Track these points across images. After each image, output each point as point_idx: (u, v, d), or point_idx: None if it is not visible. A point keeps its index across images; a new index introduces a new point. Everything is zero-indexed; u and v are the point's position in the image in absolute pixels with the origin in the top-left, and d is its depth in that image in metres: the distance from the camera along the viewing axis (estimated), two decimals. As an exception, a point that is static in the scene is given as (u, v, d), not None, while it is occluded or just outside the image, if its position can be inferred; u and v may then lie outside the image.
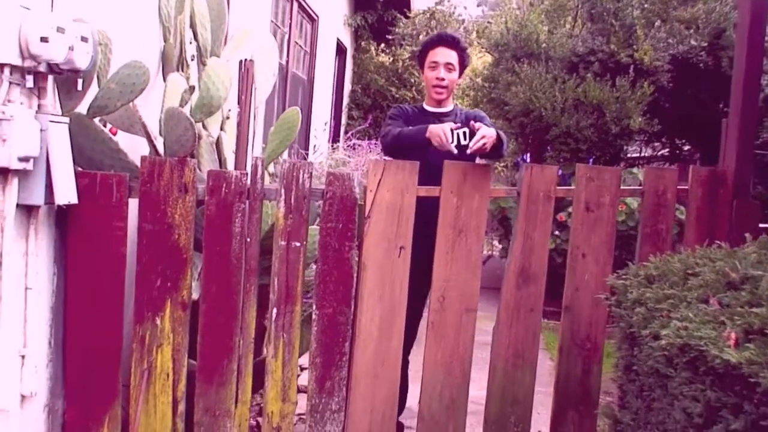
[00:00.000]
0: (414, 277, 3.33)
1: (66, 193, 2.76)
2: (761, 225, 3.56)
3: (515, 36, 9.65)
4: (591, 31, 9.50)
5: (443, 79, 3.93)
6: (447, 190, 3.30)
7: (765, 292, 1.86)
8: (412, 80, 12.58)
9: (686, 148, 12.79)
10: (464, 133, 3.45)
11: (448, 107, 4.06)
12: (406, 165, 3.26)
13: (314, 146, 9.00)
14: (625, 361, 2.61)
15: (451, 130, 3.40)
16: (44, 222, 2.86)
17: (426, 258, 3.37)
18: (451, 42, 4.01)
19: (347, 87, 12.10)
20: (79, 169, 2.94)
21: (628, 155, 11.47)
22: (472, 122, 3.51)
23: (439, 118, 3.95)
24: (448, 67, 3.94)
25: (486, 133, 3.38)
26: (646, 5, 9.53)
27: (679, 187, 3.57)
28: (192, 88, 3.31)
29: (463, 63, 4.04)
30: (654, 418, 2.22)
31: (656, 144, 12.45)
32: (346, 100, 12.04)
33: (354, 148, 7.89)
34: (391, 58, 12.79)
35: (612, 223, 3.48)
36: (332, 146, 9.00)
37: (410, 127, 3.73)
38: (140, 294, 3.08)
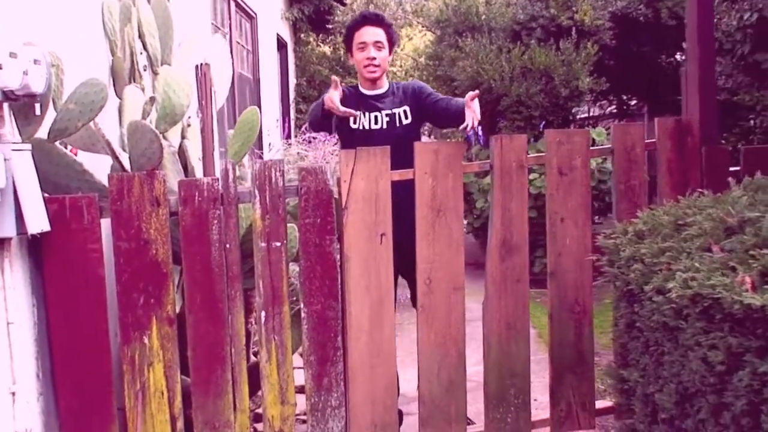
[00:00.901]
0: (397, 263, 3.31)
1: (38, 222, 2.69)
2: (731, 169, 3.60)
3: (455, 11, 9.64)
4: (529, -2, 9.51)
5: (374, 58, 3.88)
6: (421, 171, 3.27)
7: (769, 234, 1.87)
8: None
9: (633, 103, 12.94)
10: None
11: (383, 87, 4.02)
12: (377, 151, 3.22)
13: (269, 144, 8.91)
14: (626, 319, 2.61)
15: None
16: (17, 253, 2.78)
17: (406, 242, 3.34)
18: (376, 19, 3.98)
19: (292, 81, 12.02)
20: (46, 195, 2.85)
21: (577, 117, 11.55)
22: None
23: (376, 100, 3.96)
24: (377, 45, 3.89)
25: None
26: (580, -35, 9.56)
27: (646, 141, 3.58)
28: (153, 99, 3.23)
29: (392, 39, 3.99)
30: (666, 372, 2.22)
31: (603, 102, 12.58)
32: (292, 95, 11.96)
33: (310, 142, 7.81)
34: (332, 48, 12.72)
35: (586, 185, 3.48)
36: (287, 142, 8.90)
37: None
38: (124, 314, 3.01)
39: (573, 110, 9.75)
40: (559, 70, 8.44)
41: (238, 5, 8.10)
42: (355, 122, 3.88)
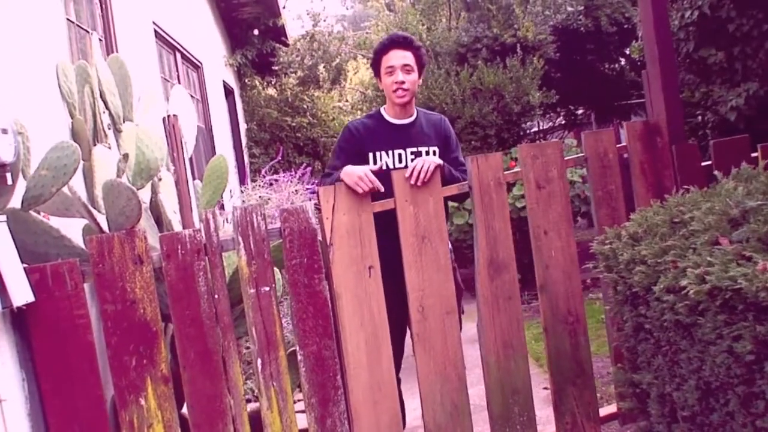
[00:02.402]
0: (387, 294, 3.27)
1: (21, 294, 2.61)
2: (703, 164, 3.64)
3: (398, 39, 9.70)
4: (470, 20, 9.65)
5: (403, 82, 3.71)
6: (401, 199, 3.25)
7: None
8: (305, 106, 12.54)
9: (580, 112, 13.14)
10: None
11: (411, 116, 3.85)
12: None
13: (230, 191, 8.84)
14: (632, 322, 2.60)
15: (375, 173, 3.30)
16: (2, 328, 2.69)
17: (394, 271, 3.31)
18: (404, 42, 3.80)
19: (242, 126, 11.96)
20: (26, 265, 2.78)
21: (528, 131, 11.68)
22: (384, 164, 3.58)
23: (403, 131, 3.79)
24: (406, 68, 3.73)
25: (419, 165, 3.33)
26: (517, -17, 9.73)
27: (617, 145, 3.62)
28: (126, 156, 3.18)
29: (421, 62, 3.83)
30: (684, 370, 2.21)
31: (552, 115, 12.74)
32: (244, 140, 11.90)
33: (271, 185, 7.76)
34: (279, 89, 12.73)
35: (565, 195, 3.50)
36: (245, 187, 8.85)
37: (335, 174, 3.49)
38: (118, 378, 2.93)
39: (525, 125, 9.87)
40: (509, 88, 8.54)
41: (183, 56, 8.06)
42: (375, 163, 3.66)
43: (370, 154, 3.72)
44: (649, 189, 3.58)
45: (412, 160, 3.66)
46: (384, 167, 3.61)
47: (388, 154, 3.72)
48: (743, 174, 2.48)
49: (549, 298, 3.48)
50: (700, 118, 8.33)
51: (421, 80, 3.90)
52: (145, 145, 3.16)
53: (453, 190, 3.43)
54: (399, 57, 3.74)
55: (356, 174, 3.26)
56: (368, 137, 3.75)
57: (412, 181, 3.30)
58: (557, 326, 3.48)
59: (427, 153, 3.76)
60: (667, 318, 2.19)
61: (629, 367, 2.83)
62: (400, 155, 3.73)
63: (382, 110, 3.90)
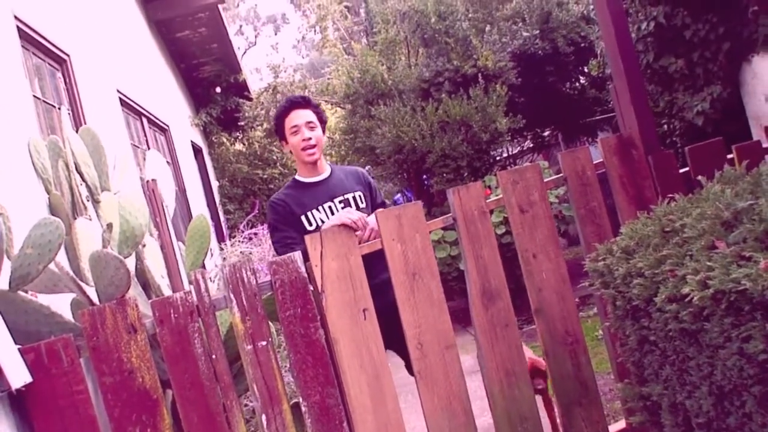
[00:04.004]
0: (387, 331, 3.26)
1: (18, 375, 2.58)
2: (680, 171, 3.67)
3: (361, 82, 9.80)
4: (429, 55, 9.74)
5: (309, 138, 3.82)
6: (388, 238, 3.25)
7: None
8: (274, 157, 12.57)
9: (546, 134, 13.25)
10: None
11: (325, 171, 3.95)
12: (342, 230, 3.19)
13: (210, 250, 8.79)
14: (635, 336, 2.60)
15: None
16: (2, 411, 2.65)
17: (389, 309, 3.30)
18: (302, 102, 3.92)
19: (214, 184, 11.96)
20: (19, 346, 2.74)
21: (497, 158, 11.79)
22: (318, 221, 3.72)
23: (322, 186, 3.88)
24: (310, 126, 3.84)
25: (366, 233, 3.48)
26: (471, 15, 9.86)
27: (595, 162, 3.64)
28: (110, 226, 3.16)
29: (321, 118, 3.95)
30: (694, 377, 2.21)
31: (520, 139, 12.84)
32: (217, 198, 11.89)
33: (250, 239, 7.74)
34: (247, 143, 12.76)
35: (549, 216, 3.51)
36: (225, 245, 8.81)
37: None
38: (123, 451, 2.88)
39: (495, 152, 9.94)
40: (476, 117, 8.61)
41: (150, 120, 8.07)
42: (310, 224, 3.76)
43: (303, 218, 3.80)
44: (631, 202, 3.60)
45: (343, 208, 3.79)
46: (320, 224, 3.72)
47: (319, 210, 3.81)
48: (727, 176, 2.51)
49: (546, 321, 3.47)
50: (666, 126, 8.45)
51: (325, 136, 4.01)
52: (128, 213, 3.15)
53: (438, 224, 3.43)
54: (301, 116, 3.86)
55: (347, 216, 3.35)
56: (294, 204, 3.82)
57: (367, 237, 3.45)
58: (557, 348, 3.48)
59: (354, 198, 3.88)
60: (672, 327, 2.19)
61: (636, 380, 2.82)
62: (330, 207, 3.82)
63: (296, 177, 4.00)
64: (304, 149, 3.83)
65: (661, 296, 2.17)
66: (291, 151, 3.98)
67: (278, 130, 3.98)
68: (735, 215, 2.08)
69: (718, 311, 1.89)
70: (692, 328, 2.07)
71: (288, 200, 3.83)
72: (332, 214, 3.77)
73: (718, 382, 2.06)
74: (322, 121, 3.96)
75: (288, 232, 3.76)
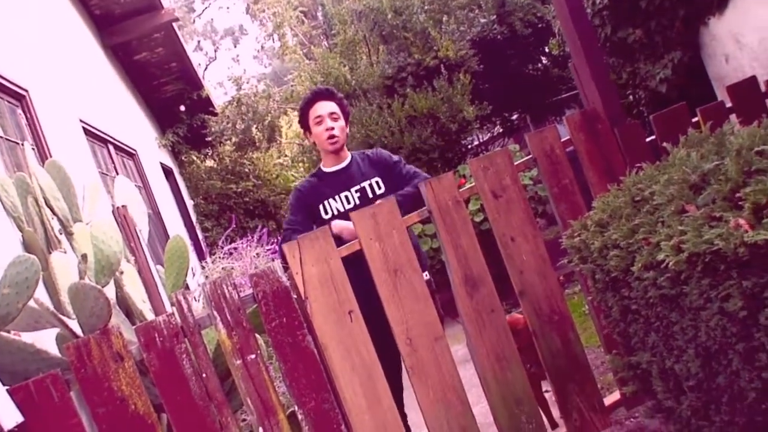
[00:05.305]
0: (374, 331, 3.26)
1: (9, 416, 2.56)
2: (648, 139, 3.69)
3: (325, 85, 9.77)
4: (390, 52, 9.75)
5: (332, 128, 3.93)
6: (365, 238, 3.25)
7: (740, 174, 1.90)
8: (246, 170, 12.53)
9: (514, 118, 13.29)
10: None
11: (346, 159, 4.04)
12: (318, 234, 3.19)
13: (191, 269, 8.76)
14: (618, 307, 2.61)
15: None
16: (-4, 455, 2.63)
17: (376, 307, 3.30)
18: (326, 93, 4.03)
19: (189, 203, 11.90)
20: (8, 387, 2.72)
21: (469, 147, 11.82)
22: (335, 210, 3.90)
23: (341, 176, 3.98)
24: (333, 116, 3.95)
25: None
26: (427, 7, 9.86)
27: (562, 140, 3.66)
28: (85, 257, 3.14)
29: (345, 110, 4.06)
30: (680, 341, 2.22)
31: (489, 125, 12.86)
32: (194, 216, 11.83)
33: (231, 254, 7.72)
34: (217, 159, 12.71)
35: (523, 199, 3.52)
36: (206, 263, 8.77)
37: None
38: (123, 479, 2.87)
39: (465, 141, 9.96)
40: (442, 108, 8.63)
41: (116, 147, 8.02)
42: (326, 212, 3.88)
43: (320, 206, 3.93)
44: (601, 175, 3.61)
45: (359, 198, 3.92)
46: (336, 213, 3.87)
47: (335, 200, 3.93)
48: (692, 140, 2.52)
49: (530, 302, 3.48)
50: (631, 97, 8.49)
51: (348, 128, 4.13)
52: (101, 242, 3.13)
53: (414, 218, 3.44)
54: (324, 107, 3.98)
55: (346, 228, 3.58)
56: (313, 193, 3.96)
57: None
58: (544, 327, 3.49)
59: (371, 186, 3.97)
60: (652, 294, 2.21)
61: (624, 351, 2.84)
62: (346, 197, 3.94)
63: (321, 166, 4.11)
64: (327, 139, 3.94)
65: (637, 265, 2.19)
66: (314, 142, 4.11)
67: (302, 121, 4.10)
68: (702, 177, 2.10)
69: (695, 274, 1.90)
70: (672, 293, 2.08)
71: (309, 188, 3.99)
72: (348, 203, 3.91)
73: (703, 344, 2.07)
74: (345, 113, 4.09)
75: (297, 216, 3.94)
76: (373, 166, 4.04)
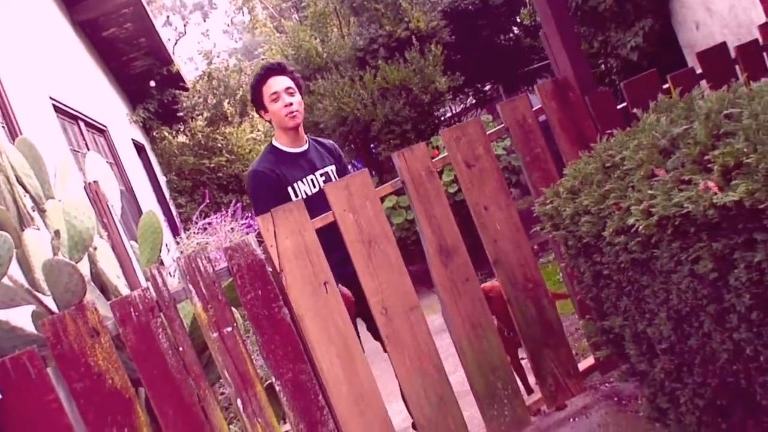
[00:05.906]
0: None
1: (-14, 394, 2.55)
2: (618, 107, 3.72)
3: (296, 59, 9.72)
4: (361, 24, 9.69)
5: (291, 104, 3.76)
6: (339, 209, 3.26)
7: (709, 137, 1.92)
8: (219, 145, 12.46)
9: (487, 88, 13.29)
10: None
11: (305, 142, 3.90)
12: (292, 206, 3.19)
13: (165, 245, 8.72)
14: (590, 272, 2.65)
15: None
16: (-26, 433, 2.63)
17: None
18: (279, 68, 3.86)
19: (162, 179, 11.83)
20: (-17, 365, 2.71)
21: (442, 118, 11.81)
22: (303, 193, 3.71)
23: (305, 157, 3.85)
24: (289, 91, 3.79)
25: None
26: (397, -22, 9.80)
27: (534, 109, 3.67)
28: (57, 233, 3.12)
29: (299, 83, 3.89)
30: (651, 304, 2.26)
31: (461, 97, 12.86)
32: (167, 192, 11.77)
33: (205, 229, 7.69)
34: (190, 134, 12.62)
35: (496, 168, 3.54)
36: (180, 238, 8.73)
37: None
38: (102, 453, 2.87)
39: (438, 113, 9.93)
40: (415, 80, 8.59)
41: (87, 123, 7.93)
42: (296, 195, 3.70)
43: (289, 189, 3.75)
44: (573, 143, 3.64)
45: (324, 182, 3.76)
46: (304, 196, 3.68)
47: (304, 182, 3.78)
48: (662, 105, 2.54)
49: (505, 271, 3.52)
50: (603, 66, 8.52)
51: (303, 102, 3.94)
52: (74, 218, 3.11)
53: (387, 189, 3.45)
54: (279, 82, 3.80)
55: None
56: (281, 173, 3.75)
57: None
58: (519, 295, 3.52)
59: (333, 172, 3.90)
60: (623, 259, 2.24)
61: (597, 315, 2.87)
62: (312, 180, 3.80)
63: (274, 143, 3.91)
64: (286, 114, 3.77)
65: (608, 230, 2.21)
66: (270, 120, 3.92)
67: (256, 100, 3.91)
68: (671, 142, 2.12)
69: (665, 237, 1.93)
70: (642, 257, 2.11)
71: (275, 169, 3.75)
72: (314, 187, 3.76)
73: (674, 307, 2.10)
74: (300, 87, 3.90)
75: (270, 204, 3.49)
76: (330, 155, 3.98)
